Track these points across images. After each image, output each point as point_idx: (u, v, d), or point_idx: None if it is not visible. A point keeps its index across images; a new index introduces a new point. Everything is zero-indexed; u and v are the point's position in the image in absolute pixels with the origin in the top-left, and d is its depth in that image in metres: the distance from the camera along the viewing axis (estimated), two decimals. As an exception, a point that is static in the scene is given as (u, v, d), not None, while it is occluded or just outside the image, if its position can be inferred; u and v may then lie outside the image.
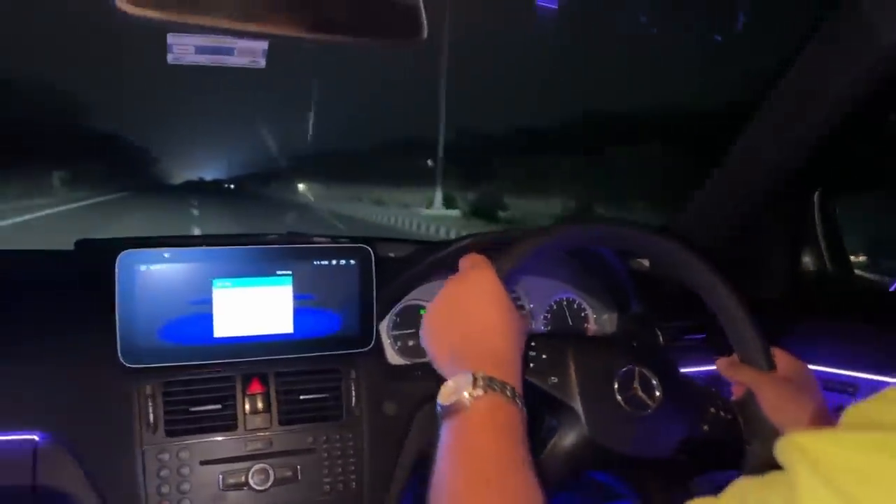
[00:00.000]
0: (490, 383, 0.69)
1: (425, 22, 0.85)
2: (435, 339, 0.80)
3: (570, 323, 1.41)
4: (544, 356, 0.90)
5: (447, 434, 0.68)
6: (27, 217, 13.80)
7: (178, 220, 15.81)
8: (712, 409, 0.95)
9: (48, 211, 15.33)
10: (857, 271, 1.41)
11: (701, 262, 0.95)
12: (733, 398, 0.97)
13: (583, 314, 1.42)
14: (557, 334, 0.95)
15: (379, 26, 0.87)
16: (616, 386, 0.91)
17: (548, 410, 0.92)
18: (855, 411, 0.43)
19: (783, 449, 0.43)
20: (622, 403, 0.91)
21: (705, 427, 0.94)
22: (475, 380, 0.69)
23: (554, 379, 0.90)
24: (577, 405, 0.89)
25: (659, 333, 1.33)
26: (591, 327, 1.43)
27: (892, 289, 1.46)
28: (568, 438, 0.89)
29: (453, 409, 0.68)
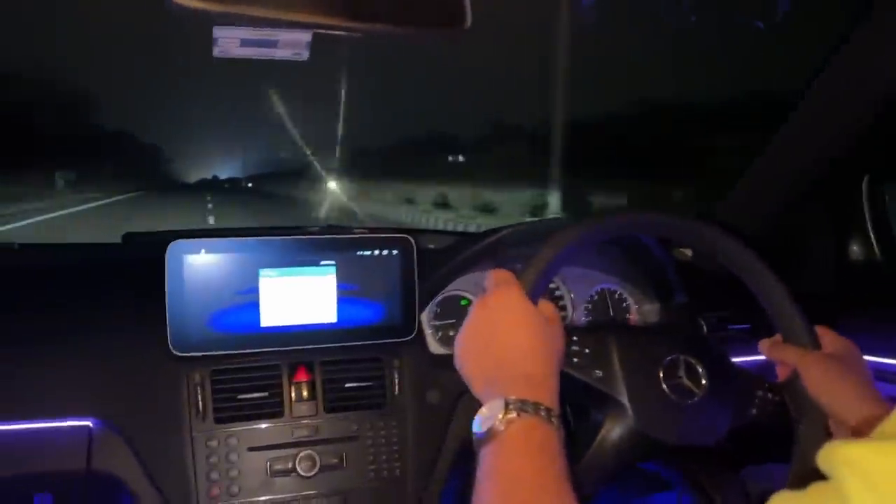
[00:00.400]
0: (523, 406, 0.69)
1: (469, 10, 0.85)
2: (468, 366, 0.81)
3: (612, 313, 1.40)
4: (587, 350, 0.90)
5: (483, 461, 0.68)
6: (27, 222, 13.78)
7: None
8: (759, 393, 0.94)
9: (51, 214, 15.22)
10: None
11: (738, 243, 0.94)
12: (779, 380, 0.96)
13: (624, 304, 1.41)
14: (599, 326, 0.95)
15: (423, 15, 0.88)
16: (661, 375, 0.91)
17: (593, 404, 0.92)
18: None
19: (828, 459, 0.43)
20: (668, 392, 0.90)
21: (753, 411, 0.93)
22: (507, 404, 0.69)
23: (598, 373, 0.89)
24: (624, 398, 0.88)
25: (703, 324, 1.31)
26: (634, 318, 1.42)
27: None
28: (615, 431, 0.88)
29: (488, 436, 0.69)
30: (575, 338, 0.90)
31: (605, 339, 0.91)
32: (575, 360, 0.89)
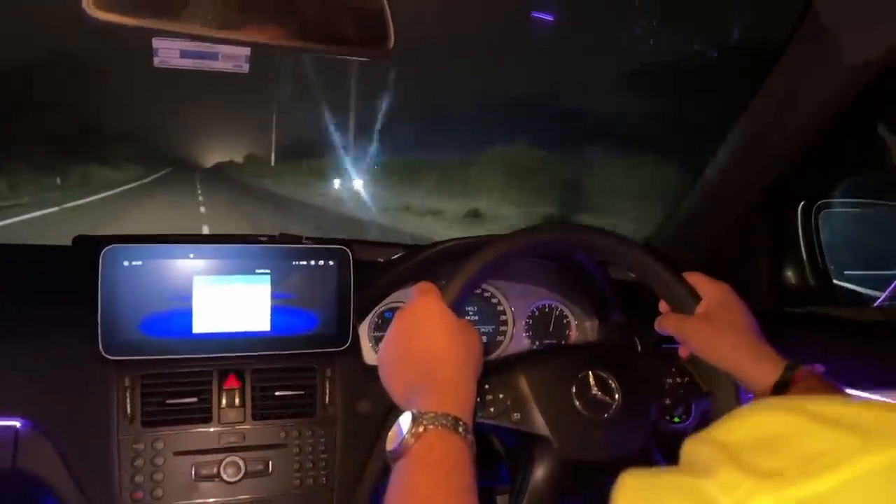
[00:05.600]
0: (432, 419, 0.70)
1: (392, 33, 0.88)
2: (389, 378, 0.82)
3: (551, 330, 1.43)
4: (500, 395, 0.92)
5: (391, 478, 0.69)
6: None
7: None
8: (668, 381, 0.98)
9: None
10: (837, 282, 1.41)
11: (609, 236, 0.98)
12: (682, 359, 1.00)
13: (565, 321, 1.44)
14: (507, 362, 0.98)
15: (350, 36, 0.90)
16: (574, 395, 0.93)
17: (521, 445, 0.94)
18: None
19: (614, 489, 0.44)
20: (584, 412, 0.93)
21: (667, 401, 0.97)
22: (414, 419, 0.70)
23: (517, 416, 0.92)
24: (545, 431, 0.91)
25: (637, 342, 1.34)
26: (573, 334, 1.44)
27: (877, 303, 1.46)
28: (545, 465, 0.91)
29: (398, 453, 0.70)
30: (486, 386, 0.92)
31: (515, 378, 0.93)
32: (491, 409, 0.91)
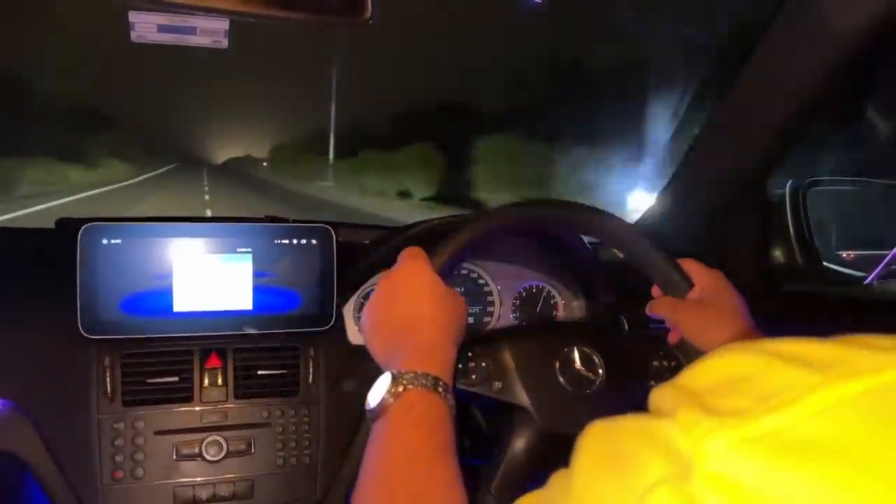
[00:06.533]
0: (412, 379, 0.69)
1: (370, 2, 0.86)
2: (372, 340, 0.82)
3: (539, 310, 1.42)
4: (483, 364, 0.92)
5: (370, 438, 0.69)
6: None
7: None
8: (655, 363, 0.97)
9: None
10: (825, 263, 1.40)
11: (602, 215, 0.97)
12: (672, 342, 0.99)
13: (552, 301, 1.43)
14: (492, 335, 0.97)
15: (327, 5, 0.89)
16: (558, 370, 0.93)
17: (502, 416, 0.94)
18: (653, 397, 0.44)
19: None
20: (567, 386, 0.92)
21: (652, 383, 0.96)
22: (394, 378, 0.70)
23: (498, 384, 0.91)
24: (526, 402, 0.90)
25: (624, 321, 1.33)
26: (561, 315, 1.44)
27: (866, 282, 1.45)
28: (525, 436, 0.90)
29: (377, 412, 0.69)
30: (469, 353, 0.92)
31: (499, 349, 0.93)
32: (473, 376, 0.91)
